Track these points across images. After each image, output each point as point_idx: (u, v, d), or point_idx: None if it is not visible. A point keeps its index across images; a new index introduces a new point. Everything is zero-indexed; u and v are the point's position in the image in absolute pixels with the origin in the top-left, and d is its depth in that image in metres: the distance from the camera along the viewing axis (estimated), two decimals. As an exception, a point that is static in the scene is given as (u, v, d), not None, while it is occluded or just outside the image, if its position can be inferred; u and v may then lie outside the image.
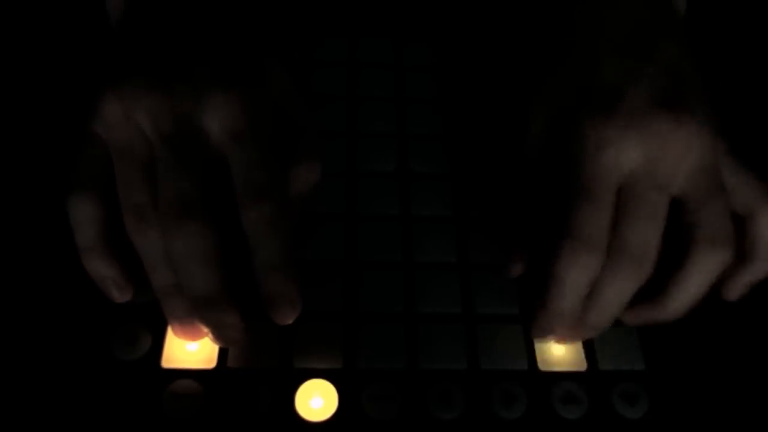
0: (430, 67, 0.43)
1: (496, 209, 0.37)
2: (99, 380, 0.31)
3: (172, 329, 0.30)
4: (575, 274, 0.29)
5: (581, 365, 0.33)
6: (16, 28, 0.41)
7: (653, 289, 0.30)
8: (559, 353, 0.33)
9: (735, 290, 0.32)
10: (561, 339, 0.33)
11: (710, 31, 0.42)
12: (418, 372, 0.32)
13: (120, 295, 0.30)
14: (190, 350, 0.32)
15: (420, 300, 0.34)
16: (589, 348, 0.34)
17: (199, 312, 0.29)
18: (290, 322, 0.29)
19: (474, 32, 0.44)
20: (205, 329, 0.29)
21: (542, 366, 0.33)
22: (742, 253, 0.31)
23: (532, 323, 0.32)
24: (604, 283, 0.29)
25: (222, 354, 0.32)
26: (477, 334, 0.33)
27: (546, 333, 0.32)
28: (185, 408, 0.30)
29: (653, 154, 0.29)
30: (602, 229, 0.29)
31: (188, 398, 0.31)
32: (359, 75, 0.42)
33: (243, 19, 0.32)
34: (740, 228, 0.31)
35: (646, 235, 0.29)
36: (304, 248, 0.35)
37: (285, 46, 0.42)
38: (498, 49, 0.43)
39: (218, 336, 0.29)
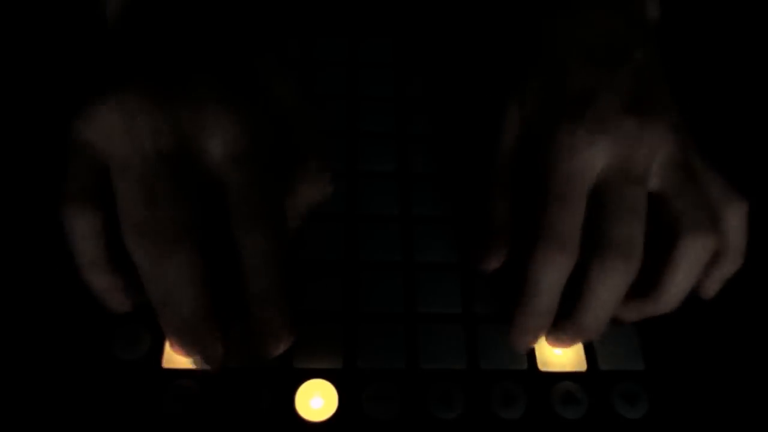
0: (431, 67, 0.43)
1: (476, 207, 0.36)
2: (99, 380, 0.31)
3: (169, 343, 0.30)
4: (550, 275, 0.29)
5: (581, 365, 0.33)
6: (15, 31, 0.41)
7: (644, 285, 0.30)
8: (559, 353, 0.33)
9: (710, 287, 0.33)
10: (557, 343, 0.32)
11: (684, 36, 0.42)
12: (418, 372, 0.32)
13: (120, 307, 0.30)
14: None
15: (420, 300, 0.34)
16: (589, 348, 0.34)
17: (182, 334, 0.28)
18: (276, 355, 0.28)
19: (466, 32, 0.44)
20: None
21: (542, 366, 0.33)
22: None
23: (510, 327, 0.31)
24: (595, 282, 0.29)
25: (222, 354, 0.32)
26: (477, 334, 0.33)
27: (523, 335, 0.31)
28: (185, 408, 0.30)
29: (624, 154, 0.30)
30: (574, 230, 0.29)
31: (188, 398, 0.31)
32: (359, 75, 0.42)
33: (244, 22, 0.32)
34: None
35: (630, 229, 0.29)
36: (304, 248, 0.35)
37: (284, 46, 0.42)
38: (478, 49, 0.43)
39: (198, 358, 0.29)
